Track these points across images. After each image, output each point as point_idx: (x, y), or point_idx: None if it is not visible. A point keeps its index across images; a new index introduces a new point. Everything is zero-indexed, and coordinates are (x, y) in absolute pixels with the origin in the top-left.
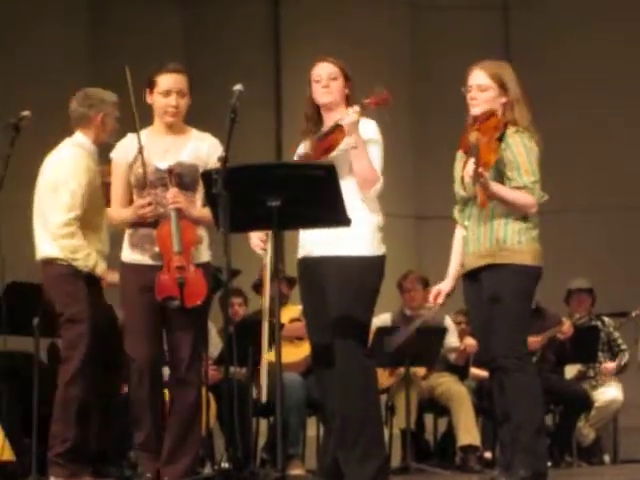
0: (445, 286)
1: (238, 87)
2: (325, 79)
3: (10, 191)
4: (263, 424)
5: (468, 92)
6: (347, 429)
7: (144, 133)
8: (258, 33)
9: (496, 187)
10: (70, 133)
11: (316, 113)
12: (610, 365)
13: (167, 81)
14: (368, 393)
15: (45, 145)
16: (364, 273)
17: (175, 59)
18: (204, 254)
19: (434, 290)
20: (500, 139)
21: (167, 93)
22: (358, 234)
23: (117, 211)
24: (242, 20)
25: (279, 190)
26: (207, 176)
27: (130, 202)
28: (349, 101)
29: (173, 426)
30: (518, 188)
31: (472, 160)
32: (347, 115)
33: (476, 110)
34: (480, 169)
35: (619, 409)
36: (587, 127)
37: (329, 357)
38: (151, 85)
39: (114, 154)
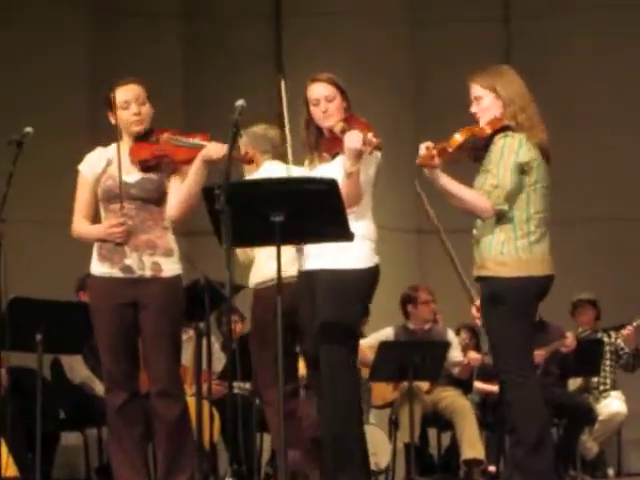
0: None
1: (240, 102)
2: (323, 102)
3: (14, 208)
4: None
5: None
6: (331, 444)
7: (113, 148)
8: (259, 50)
9: (446, 179)
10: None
11: (316, 129)
12: (628, 330)
13: (123, 94)
14: (350, 406)
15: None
16: (355, 285)
17: (176, 76)
18: (174, 267)
19: (474, 305)
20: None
21: (126, 104)
22: (349, 247)
23: (82, 225)
24: (243, 37)
25: (282, 205)
26: (209, 191)
27: (94, 216)
28: (347, 111)
29: (162, 444)
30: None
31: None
32: (350, 140)
33: (482, 122)
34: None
35: (623, 422)
36: (589, 137)
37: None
38: (109, 105)
39: (82, 167)
